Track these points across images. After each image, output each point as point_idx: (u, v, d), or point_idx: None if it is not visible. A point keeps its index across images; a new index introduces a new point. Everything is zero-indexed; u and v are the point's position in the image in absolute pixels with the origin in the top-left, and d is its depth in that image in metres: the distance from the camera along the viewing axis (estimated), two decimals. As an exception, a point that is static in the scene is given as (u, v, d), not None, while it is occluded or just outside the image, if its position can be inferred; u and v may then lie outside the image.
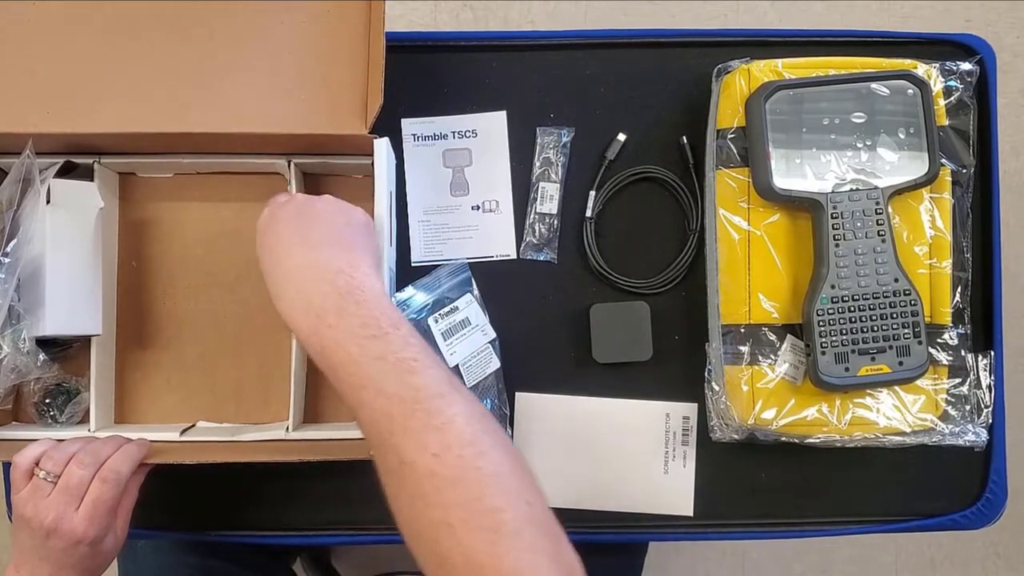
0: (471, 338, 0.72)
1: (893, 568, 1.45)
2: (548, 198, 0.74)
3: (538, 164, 0.75)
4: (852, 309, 0.66)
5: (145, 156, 0.71)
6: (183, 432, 0.70)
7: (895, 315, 0.66)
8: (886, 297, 0.66)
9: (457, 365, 0.71)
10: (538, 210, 0.74)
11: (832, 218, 0.66)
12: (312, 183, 0.74)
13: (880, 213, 0.66)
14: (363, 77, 0.66)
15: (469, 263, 0.75)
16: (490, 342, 0.72)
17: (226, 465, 0.74)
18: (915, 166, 0.67)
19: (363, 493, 0.74)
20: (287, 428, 0.69)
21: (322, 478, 0.74)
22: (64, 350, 0.71)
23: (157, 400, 0.74)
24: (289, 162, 0.70)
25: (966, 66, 0.70)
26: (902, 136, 0.67)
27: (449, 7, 1.43)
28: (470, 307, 0.72)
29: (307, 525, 0.75)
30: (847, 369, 0.66)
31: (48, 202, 0.66)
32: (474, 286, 0.74)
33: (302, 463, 0.65)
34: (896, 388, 0.68)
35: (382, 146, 0.65)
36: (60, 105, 0.64)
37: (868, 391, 0.68)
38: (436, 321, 0.71)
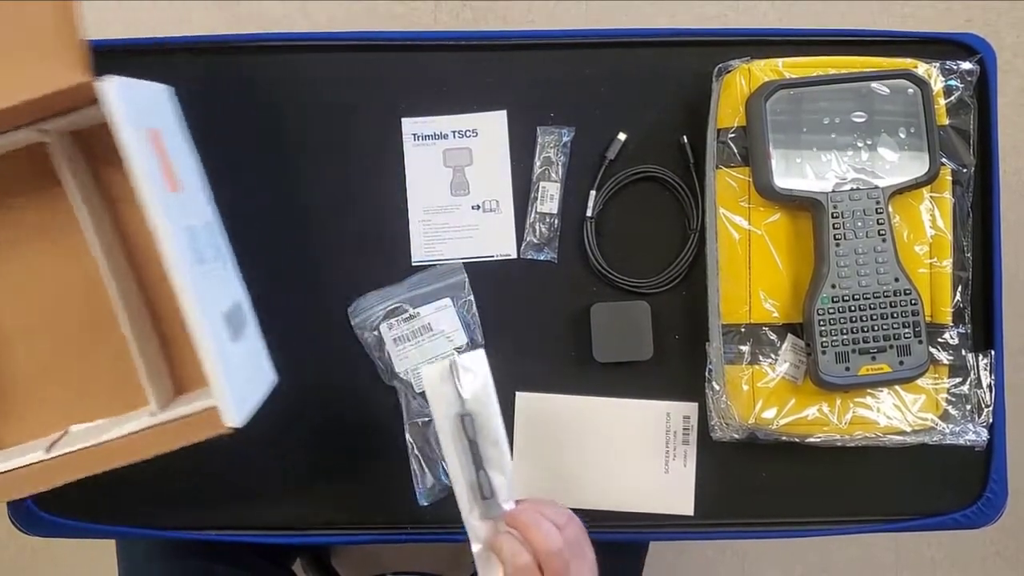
0: (431, 344, 0.73)
1: (893, 568, 1.45)
2: (548, 198, 0.74)
3: (538, 164, 0.75)
4: (853, 308, 0.66)
5: None
6: (51, 445, 0.62)
7: (896, 314, 0.66)
8: (887, 296, 0.66)
9: (406, 369, 0.73)
10: (538, 210, 0.74)
11: (833, 217, 0.66)
12: (82, 143, 0.63)
13: (880, 212, 0.66)
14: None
15: (470, 263, 0.75)
16: (457, 348, 0.72)
17: (225, 463, 0.74)
18: (915, 165, 0.67)
19: (363, 492, 0.74)
20: (151, 412, 0.62)
21: (322, 477, 0.74)
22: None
23: (18, 419, 0.67)
24: (41, 130, 0.58)
25: (966, 65, 0.70)
26: (902, 135, 0.67)
27: (449, 7, 1.43)
28: (439, 313, 0.73)
29: (307, 525, 0.75)
30: (848, 368, 0.66)
31: None
32: (467, 289, 0.74)
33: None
34: (896, 387, 0.68)
35: (113, 89, 0.52)
36: None
37: (868, 390, 0.68)
38: (390, 328, 0.72)
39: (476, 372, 0.63)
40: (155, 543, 0.81)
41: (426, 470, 0.73)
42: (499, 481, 0.63)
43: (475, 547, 0.63)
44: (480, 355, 0.63)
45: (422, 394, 0.72)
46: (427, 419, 0.73)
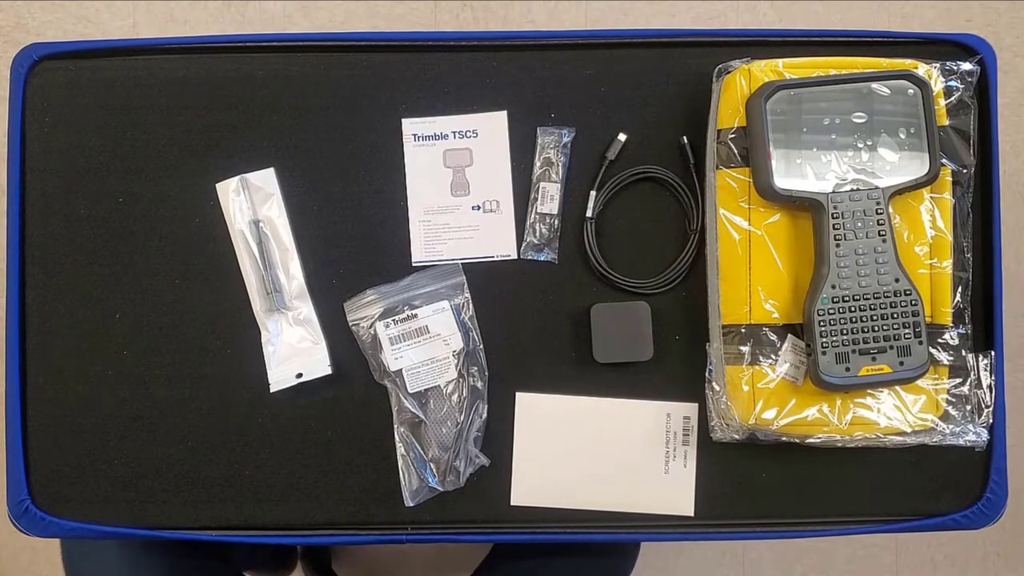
0: (427, 346, 0.73)
1: (893, 568, 1.45)
2: (549, 198, 0.74)
3: (539, 164, 0.75)
4: (853, 309, 0.66)
5: None
6: None
7: (896, 315, 0.66)
8: (887, 297, 0.66)
9: (400, 369, 0.73)
10: (539, 210, 0.74)
11: (833, 218, 0.66)
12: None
13: (881, 213, 0.66)
14: None
15: (470, 263, 0.75)
16: (455, 352, 0.73)
17: (222, 464, 0.74)
18: (916, 166, 0.67)
19: (364, 490, 0.74)
20: None
21: (319, 476, 0.74)
22: None
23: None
24: None
25: (966, 66, 0.70)
26: (903, 136, 0.67)
27: (449, 7, 1.43)
28: (437, 315, 0.73)
29: (305, 525, 0.75)
30: (848, 369, 0.66)
31: None
32: (466, 290, 0.74)
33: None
34: (897, 388, 0.68)
35: None
36: None
37: (869, 391, 0.68)
38: (387, 327, 0.72)
39: (265, 188, 0.73)
40: (100, 544, 0.80)
41: (413, 470, 0.73)
42: (283, 280, 0.73)
43: (263, 335, 0.73)
44: (269, 173, 0.74)
45: (415, 394, 0.73)
46: (417, 420, 0.73)
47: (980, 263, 0.74)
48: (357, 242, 0.75)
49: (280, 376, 0.73)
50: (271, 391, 0.73)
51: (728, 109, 0.70)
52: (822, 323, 0.66)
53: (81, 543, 0.82)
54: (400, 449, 0.73)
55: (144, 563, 0.80)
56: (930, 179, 0.67)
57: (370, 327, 0.73)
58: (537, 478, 0.75)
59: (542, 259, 0.75)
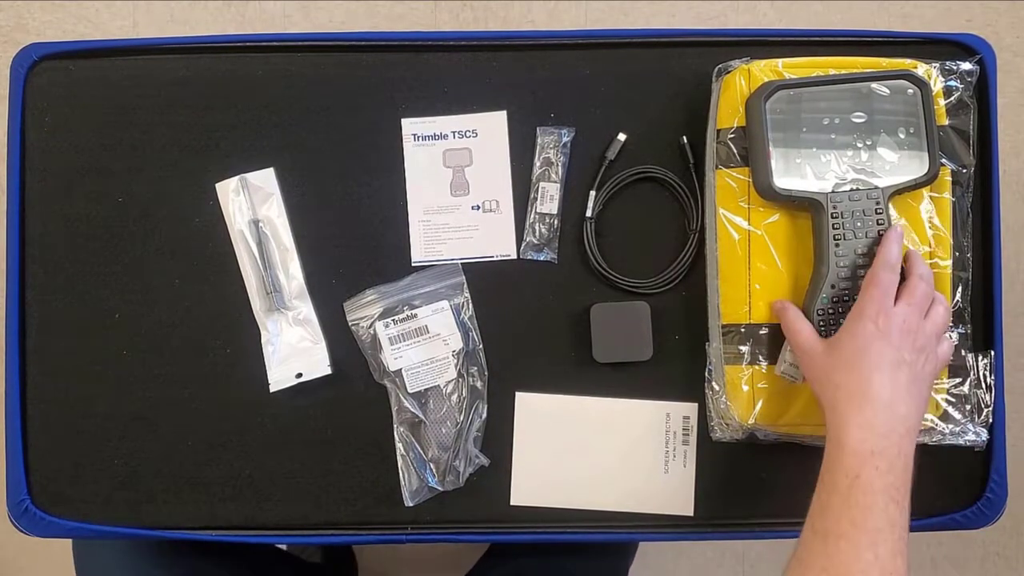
0: (427, 346, 0.73)
1: (893, 568, 1.44)
2: (548, 198, 0.74)
3: (538, 164, 0.75)
4: (852, 309, 0.66)
5: None
6: None
7: (895, 315, 0.66)
8: (886, 297, 0.66)
9: (400, 369, 0.73)
10: (538, 210, 0.74)
11: (832, 218, 0.65)
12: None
13: (880, 213, 0.66)
14: None
15: (470, 263, 0.75)
16: (455, 352, 0.73)
17: (222, 464, 0.74)
18: (915, 166, 0.67)
19: (364, 490, 0.74)
20: None
21: (322, 475, 0.74)
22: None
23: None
24: None
25: (966, 66, 0.70)
26: (902, 136, 0.67)
27: (449, 7, 1.43)
28: (436, 315, 0.73)
29: (307, 525, 0.75)
30: (847, 369, 0.66)
31: None
32: (466, 290, 0.74)
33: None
34: (896, 388, 0.68)
35: None
36: None
37: (868, 391, 0.68)
38: (386, 326, 0.72)
39: (265, 188, 0.73)
40: (116, 548, 0.80)
41: (412, 470, 0.73)
42: (283, 280, 0.72)
43: (263, 335, 0.73)
44: (269, 173, 0.73)
45: (415, 394, 0.73)
46: (417, 420, 0.73)
47: (980, 263, 0.74)
48: (357, 242, 0.75)
49: (280, 376, 0.73)
50: (271, 391, 0.73)
51: (728, 109, 0.70)
52: (822, 323, 0.66)
53: (93, 546, 0.81)
54: (400, 449, 0.73)
55: (158, 563, 0.80)
56: (930, 179, 0.67)
57: (370, 327, 0.73)
58: (537, 478, 0.75)
59: (542, 259, 0.75)
